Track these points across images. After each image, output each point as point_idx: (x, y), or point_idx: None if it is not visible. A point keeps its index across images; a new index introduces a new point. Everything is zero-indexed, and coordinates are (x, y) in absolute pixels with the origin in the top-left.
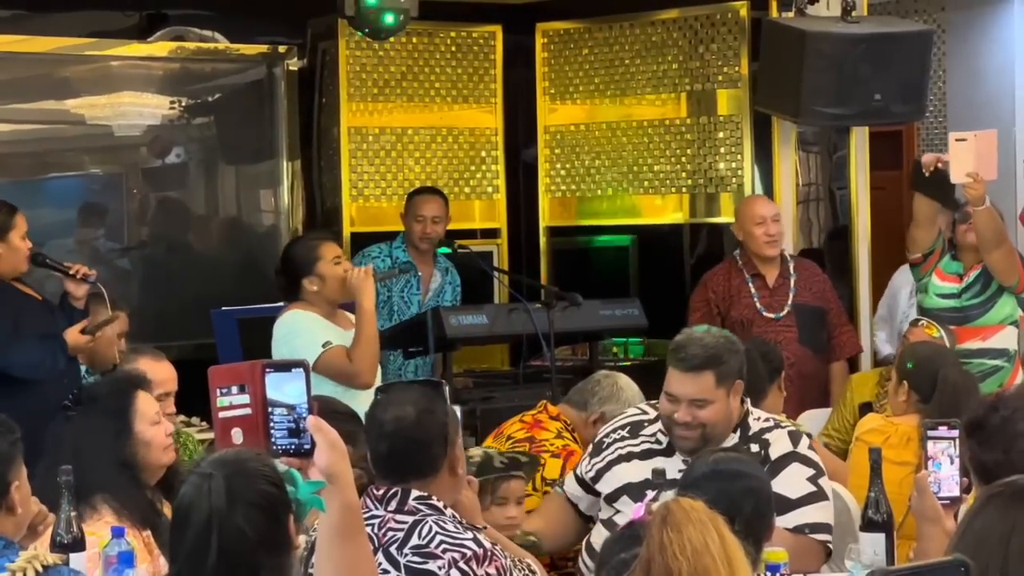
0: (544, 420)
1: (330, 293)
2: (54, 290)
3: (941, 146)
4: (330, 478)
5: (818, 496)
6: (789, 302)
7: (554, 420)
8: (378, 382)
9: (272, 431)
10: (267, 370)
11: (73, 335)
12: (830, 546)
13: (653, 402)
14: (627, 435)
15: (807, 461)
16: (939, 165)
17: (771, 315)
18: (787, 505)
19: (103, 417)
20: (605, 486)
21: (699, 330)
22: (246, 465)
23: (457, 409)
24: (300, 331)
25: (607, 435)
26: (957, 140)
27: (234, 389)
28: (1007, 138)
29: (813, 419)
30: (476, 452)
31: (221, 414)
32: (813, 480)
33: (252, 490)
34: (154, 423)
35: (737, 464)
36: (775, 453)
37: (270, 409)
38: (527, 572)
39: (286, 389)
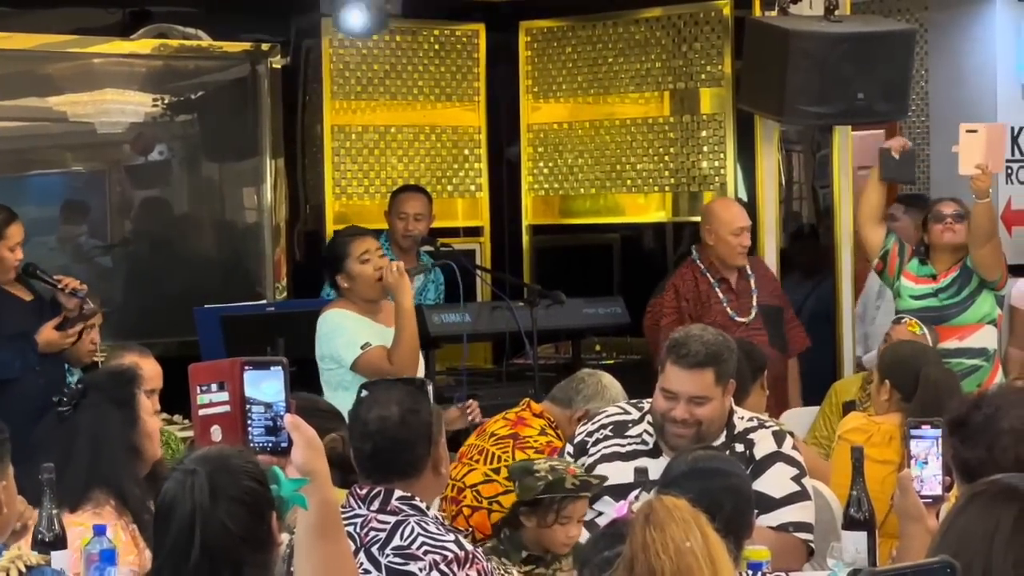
0: (527, 417)
1: (361, 291)
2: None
3: (923, 144)
4: (307, 476)
5: (801, 496)
6: (754, 304)
7: (537, 417)
8: None
9: (250, 429)
10: (245, 367)
11: (46, 333)
12: (812, 545)
13: (635, 401)
14: (611, 434)
15: (791, 461)
16: (906, 147)
17: (742, 319)
18: (771, 504)
19: (113, 407)
20: None
21: (696, 328)
22: (229, 461)
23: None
24: (340, 331)
25: (589, 434)
26: (968, 131)
27: (214, 387)
28: None
29: (795, 418)
30: (544, 467)
31: (201, 412)
32: (796, 480)
33: (235, 486)
34: (151, 414)
35: (716, 462)
36: (760, 453)
37: (248, 407)
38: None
39: (264, 387)
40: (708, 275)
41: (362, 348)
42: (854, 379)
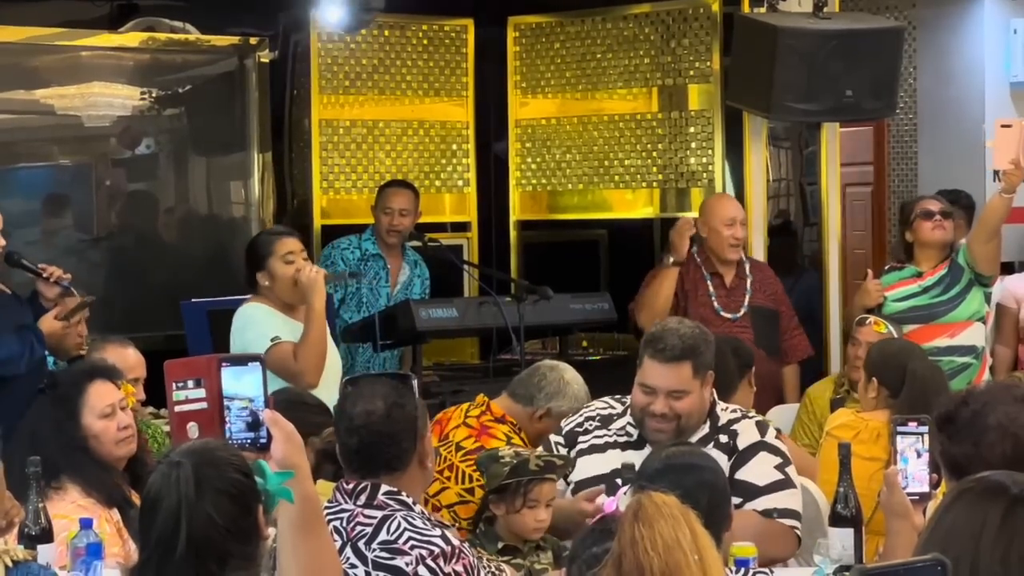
0: (491, 425)
1: (279, 291)
2: (19, 280)
3: (911, 142)
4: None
5: (786, 484)
6: (746, 303)
7: (500, 423)
8: (335, 381)
9: (228, 425)
10: (223, 364)
11: (48, 322)
12: (799, 533)
13: (618, 396)
14: (599, 424)
15: (774, 450)
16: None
17: (728, 315)
18: (754, 492)
19: (53, 405)
20: (575, 475)
21: (673, 321)
22: (215, 454)
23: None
24: (252, 324)
25: (578, 424)
26: (1003, 126)
27: (190, 383)
28: (976, 135)
29: (781, 414)
30: (508, 453)
31: (177, 408)
32: (780, 468)
33: (221, 478)
34: (104, 416)
35: (690, 457)
36: (743, 443)
37: (226, 403)
38: (494, 571)
39: (242, 383)
40: (702, 268)
41: (272, 341)
42: (826, 383)
